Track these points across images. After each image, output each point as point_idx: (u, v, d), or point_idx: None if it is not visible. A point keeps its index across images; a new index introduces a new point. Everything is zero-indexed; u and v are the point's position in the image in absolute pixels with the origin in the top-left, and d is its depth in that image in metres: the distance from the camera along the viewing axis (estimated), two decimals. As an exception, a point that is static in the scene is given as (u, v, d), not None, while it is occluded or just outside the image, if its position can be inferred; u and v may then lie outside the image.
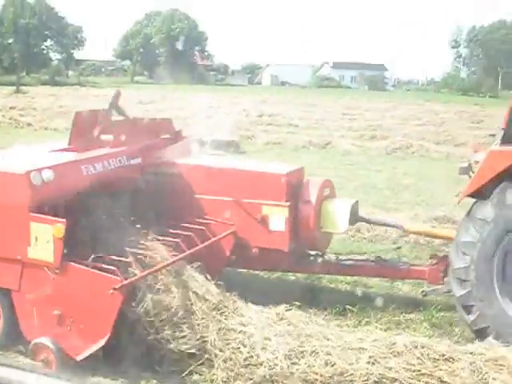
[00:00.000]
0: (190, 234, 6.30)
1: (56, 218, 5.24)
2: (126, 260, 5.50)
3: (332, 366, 5.21)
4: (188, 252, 5.94)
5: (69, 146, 6.54)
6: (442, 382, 5.03)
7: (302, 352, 5.33)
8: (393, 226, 8.27)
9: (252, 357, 5.26)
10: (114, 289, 4.98)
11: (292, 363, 5.23)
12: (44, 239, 5.23)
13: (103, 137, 6.83)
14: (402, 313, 6.89)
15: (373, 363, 5.20)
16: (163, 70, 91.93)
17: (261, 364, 5.20)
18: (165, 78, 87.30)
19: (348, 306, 6.80)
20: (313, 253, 7.32)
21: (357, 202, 7.32)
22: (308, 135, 24.90)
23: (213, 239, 6.38)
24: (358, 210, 7.35)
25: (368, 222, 7.99)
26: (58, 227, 5.15)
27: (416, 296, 7.58)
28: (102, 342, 5.09)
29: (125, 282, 5.06)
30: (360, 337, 5.59)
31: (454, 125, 30.84)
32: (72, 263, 5.27)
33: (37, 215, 5.31)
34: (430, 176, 16.74)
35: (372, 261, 7.41)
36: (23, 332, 5.50)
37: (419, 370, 5.12)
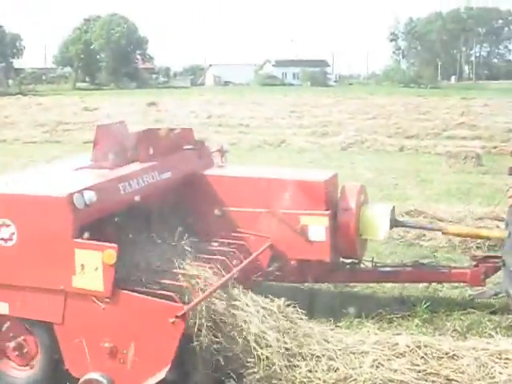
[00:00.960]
0: (233, 250, 6.00)
1: (105, 243, 4.77)
2: (178, 283, 5.13)
3: (335, 371, 5.11)
4: (236, 270, 5.61)
5: (93, 163, 6.21)
6: (448, 380, 5.00)
7: (300, 354, 5.22)
8: (432, 229, 8.13)
9: None
10: (177, 317, 4.58)
11: (292, 365, 5.13)
12: (92, 267, 4.77)
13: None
14: (391, 311, 6.79)
15: (377, 366, 5.13)
16: (105, 75, 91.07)
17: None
18: (107, 84, 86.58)
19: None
20: (348, 261, 7.08)
21: (394, 207, 7.05)
22: (261, 134, 24.86)
23: (254, 254, 6.11)
24: (395, 214, 7.10)
25: (407, 226, 7.81)
26: (109, 253, 4.69)
27: (401, 293, 7.56)
28: (161, 375, 4.70)
29: (187, 309, 4.66)
30: (360, 339, 5.51)
31: (402, 117, 31.17)
32: (125, 291, 4.83)
33: (82, 241, 4.84)
34: (389, 169, 16.85)
35: (410, 266, 7.17)
36: (69, 368, 5.08)
37: (425, 370, 5.08)
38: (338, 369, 5.12)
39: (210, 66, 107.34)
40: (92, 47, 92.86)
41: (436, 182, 14.97)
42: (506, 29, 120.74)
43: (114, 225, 5.52)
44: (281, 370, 5.03)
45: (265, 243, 6.36)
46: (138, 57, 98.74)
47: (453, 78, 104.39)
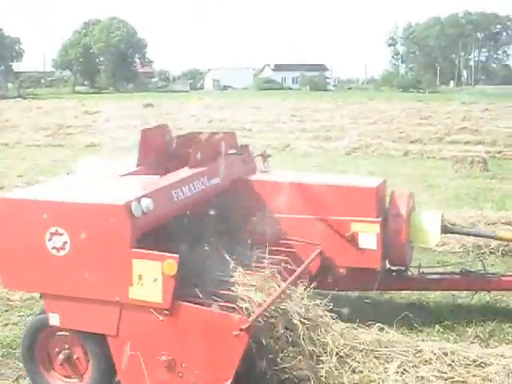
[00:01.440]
0: (286, 258, 5.81)
1: (166, 253, 4.58)
2: (237, 294, 4.94)
3: (360, 373, 5.04)
4: (292, 278, 5.39)
5: (139, 168, 6.03)
6: None
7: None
8: (484, 236, 7.98)
9: None
10: (241, 329, 4.38)
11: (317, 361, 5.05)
12: (150, 277, 4.58)
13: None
14: (411, 317, 6.68)
15: (402, 373, 5.05)
16: (104, 78, 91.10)
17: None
18: (106, 87, 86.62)
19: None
20: (394, 268, 6.89)
21: (443, 213, 6.87)
22: (264, 139, 24.75)
23: (307, 262, 5.89)
24: (445, 221, 6.93)
25: (457, 233, 7.64)
26: (170, 263, 4.49)
27: (419, 298, 7.48)
28: None
29: (251, 321, 4.46)
30: (384, 344, 5.43)
31: (404, 122, 31.18)
32: (185, 303, 4.63)
33: (141, 251, 4.63)
34: (395, 174, 16.75)
35: (457, 273, 6.99)
36: (122, 382, 4.96)
37: (452, 378, 4.98)
38: (361, 371, 5.05)
39: (209, 70, 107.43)
40: (91, 51, 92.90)
41: (444, 187, 14.89)
42: (505, 34, 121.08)
43: (165, 234, 5.31)
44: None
45: (314, 251, 6.18)
46: (137, 60, 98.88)
47: (451, 82, 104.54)
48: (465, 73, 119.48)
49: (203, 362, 4.60)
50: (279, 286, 5.20)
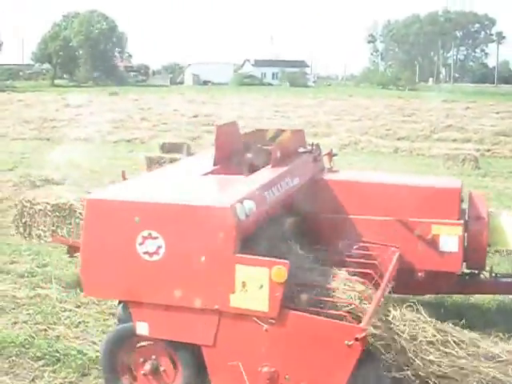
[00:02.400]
0: (374, 262, 5.53)
1: (274, 259, 4.32)
2: (341, 300, 4.67)
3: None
4: (385, 283, 5.08)
5: (219, 167, 5.84)
6: None
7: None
8: None
9: None
10: (356, 339, 4.11)
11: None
12: (255, 285, 4.30)
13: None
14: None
15: None
16: (83, 72, 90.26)
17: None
18: (85, 81, 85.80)
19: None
20: (467, 271, 6.64)
21: None
22: (251, 134, 24.67)
23: (391, 267, 5.58)
24: None
25: None
26: (279, 270, 4.22)
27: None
28: None
29: (365, 329, 4.19)
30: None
31: (388, 119, 31.26)
32: (293, 311, 4.35)
33: (245, 256, 4.35)
34: (388, 172, 16.74)
35: None
36: None
37: None
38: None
39: (189, 65, 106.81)
40: (71, 44, 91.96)
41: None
42: (483, 32, 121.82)
43: (261, 237, 5.05)
44: None
45: (393, 254, 5.91)
46: (117, 54, 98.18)
47: (430, 80, 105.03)
48: (443, 70, 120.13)
49: (309, 373, 4.33)
50: (374, 292, 4.95)
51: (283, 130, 6.73)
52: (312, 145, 6.81)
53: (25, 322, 6.76)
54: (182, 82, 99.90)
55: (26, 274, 8.24)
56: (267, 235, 5.18)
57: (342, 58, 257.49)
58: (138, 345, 4.95)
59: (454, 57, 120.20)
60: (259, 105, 42.09)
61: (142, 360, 4.97)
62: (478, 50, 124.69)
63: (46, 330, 6.55)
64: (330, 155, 7.03)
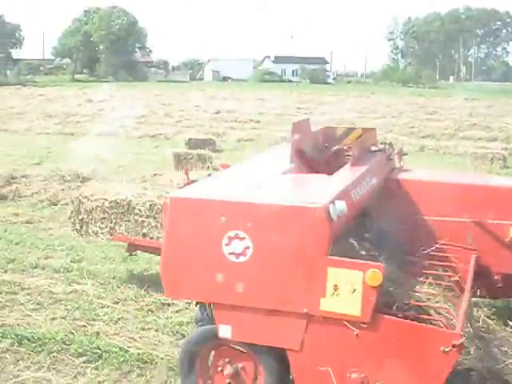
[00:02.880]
0: (454, 265, 5.45)
1: (369, 262, 4.21)
2: (432, 305, 4.53)
3: None
4: (469, 287, 4.95)
5: (298, 165, 5.70)
6: None
7: None
8: None
9: None
10: (453, 346, 3.95)
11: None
12: (348, 288, 4.15)
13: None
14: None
15: None
16: (104, 67, 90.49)
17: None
18: (105, 76, 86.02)
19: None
20: None
21: None
22: (275, 131, 24.64)
23: (471, 270, 5.40)
24: None
25: None
26: (374, 273, 4.07)
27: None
28: None
29: (461, 335, 4.03)
30: None
31: (412, 116, 31.04)
32: (386, 316, 4.22)
33: (338, 258, 4.20)
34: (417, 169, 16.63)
35: None
36: None
37: None
38: None
39: (209, 61, 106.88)
40: (91, 39, 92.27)
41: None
42: (504, 31, 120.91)
43: (347, 238, 4.94)
44: None
45: (470, 256, 5.72)
46: (137, 50, 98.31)
47: (451, 78, 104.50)
48: (463, 68, 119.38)
49: (402, 380, 4.20)
50: (459, 296, 4.84)
51: (353, 129, 6.61)
52: (385, 143, 6.68)
53: (63, 318, 6.71)
54: (201, 78, 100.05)
55: (61, 269, 8.19)
56: (352, 236, 5.06)
57: (361, 56, 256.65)
58: (219, 347, 4.83)
59: (475, 55, 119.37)
60: (280, 101, 42.01)
61: (222, 363, 4.85)
62: (498, 49, 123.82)
63: (85, 326, 6.51)
64: (400, 154, 6.87)
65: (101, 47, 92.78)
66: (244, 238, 4.36)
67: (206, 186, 5.14)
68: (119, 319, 6.70)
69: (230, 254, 4.41)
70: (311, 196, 4.50)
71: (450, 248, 5.75)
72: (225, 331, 4.59)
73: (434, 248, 5.66)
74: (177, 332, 6.38)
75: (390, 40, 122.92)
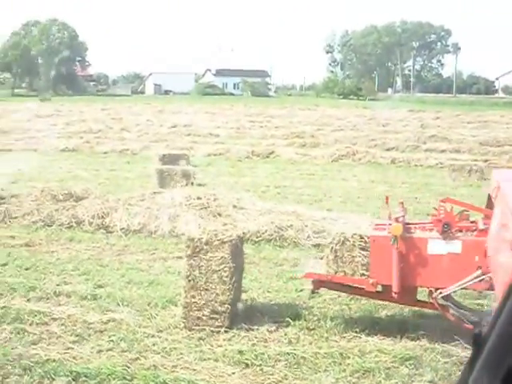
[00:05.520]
0: None
1: None
2: None
3: None
4: None
5: None
6: None
7: None
8: None
9: None
10: None
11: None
12: None
13: None
14: None
15: None
16: (44, 81, 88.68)
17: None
18: (45, 90, 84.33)
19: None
20: None
21: None
22: (238, 144, 24.53)
23: None
24: None
25: None
26: None
27: None
28: None
29: None
30: None
31: (368, 129, 31.27)
32: None
33: None
34: (398, 183, 16.68)
35: None
36: None
37: None
38: None
39: (150, 74, 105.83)
40: (32, 52, 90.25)
41: (452, 196, 14.72)
42: (439, 43, 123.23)
43: None
44: None
45: None
46: (77, 63, 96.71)
47: (389, 90, 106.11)
48: (398, 80, 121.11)
49: None
50: None
51: None
52: None
53: (110, 350, 6.22)
54: (143, 92, 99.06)
55: (88, 296, 7.66)
56: None
57: (299, 68, 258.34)
58: None
59: (413, 67, 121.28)
60: (229, 114, 41.86)
61: None
62: (434, 61, 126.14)
63: (138, 358, 6.04)
64: None
65: (40, 61, 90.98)
66: None
67: None
68: (171, 349, 6.25)
69: None
70: None
71: None
72: None
73: None
74: (239, 361, 5.99)
75: (327, 53, 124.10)
